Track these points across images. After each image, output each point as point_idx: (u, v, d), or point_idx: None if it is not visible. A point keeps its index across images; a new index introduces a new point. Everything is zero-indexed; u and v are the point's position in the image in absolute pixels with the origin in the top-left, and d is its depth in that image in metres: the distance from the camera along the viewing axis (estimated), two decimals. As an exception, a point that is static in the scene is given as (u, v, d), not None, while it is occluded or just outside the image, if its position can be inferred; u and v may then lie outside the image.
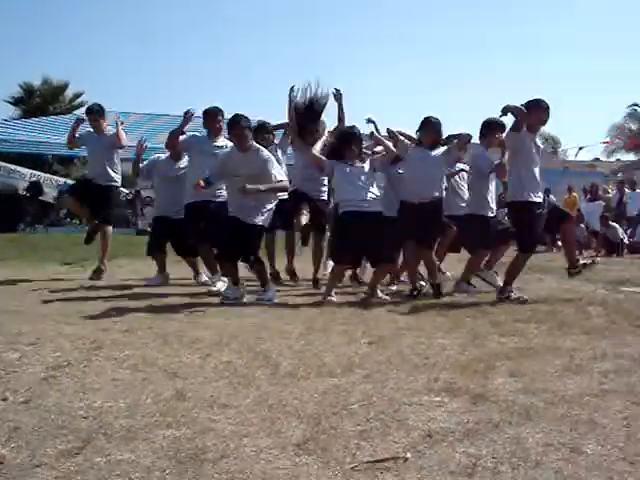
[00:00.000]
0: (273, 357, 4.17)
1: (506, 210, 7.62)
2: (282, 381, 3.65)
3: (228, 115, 7.17)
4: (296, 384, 3.59)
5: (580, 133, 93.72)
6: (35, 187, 23.51)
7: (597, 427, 2.96)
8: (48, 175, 29.51)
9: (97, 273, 8.50)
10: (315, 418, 3.02)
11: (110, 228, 8.88)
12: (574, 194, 20.40)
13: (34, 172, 26.59)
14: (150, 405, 3.21)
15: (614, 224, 16.96)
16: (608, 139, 38.49)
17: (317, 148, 7.09)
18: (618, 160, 43.55)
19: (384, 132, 7.56)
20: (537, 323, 5.44)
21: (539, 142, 7.06)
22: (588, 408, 3.23)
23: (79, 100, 41.07)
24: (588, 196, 20.07)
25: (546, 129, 46.50)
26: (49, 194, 25.24)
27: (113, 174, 8.67)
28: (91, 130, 8.77)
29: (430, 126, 7.15)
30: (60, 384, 3.58)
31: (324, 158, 6.99)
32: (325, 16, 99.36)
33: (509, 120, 6.74)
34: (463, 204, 7.84)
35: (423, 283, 7.47)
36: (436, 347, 4.55)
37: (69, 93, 41.44)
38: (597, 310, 6.16)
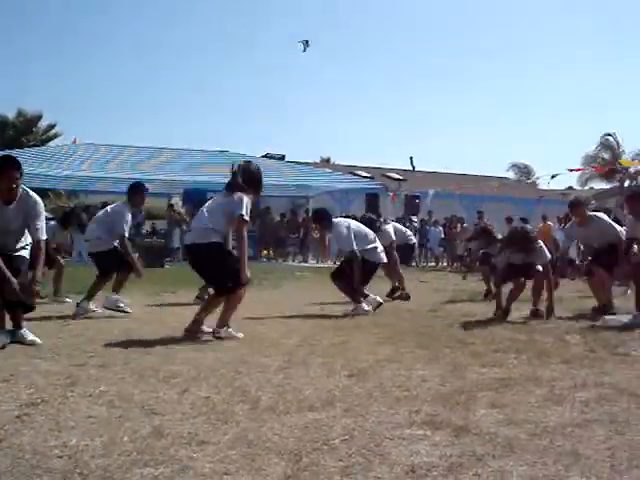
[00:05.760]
0: (252, 392, 4.11)
1: None
2: (262, 416, 3.59)
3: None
4: (276, 419, 3.54)
5: (553, 163, 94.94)
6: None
7: (581, 458, 2.94)
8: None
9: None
10: (296, 454, 2.97)
11: None
12: (548, 222, 20.61)
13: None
14: (127, 443, 3.14)
15: None
16: (579, 167, 39.03)
17: None
18: (592, 188, 44.06)
19: None
20: (516, 353, 5.44)
21: None
22: (571, 439, 3.22)
23: (53, 131, 41.02)
24: (562, 224, 20.22)
25: (519, 158, 47.21)
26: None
27: None
28: None
29: None
30: (34, 422, 3.49)
31: None
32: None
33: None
34: None
35: None
36: (416, 379, 4.52)
37: (43, 124, 41.33)
38: (575, 339, 6.19)
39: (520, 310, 8.00)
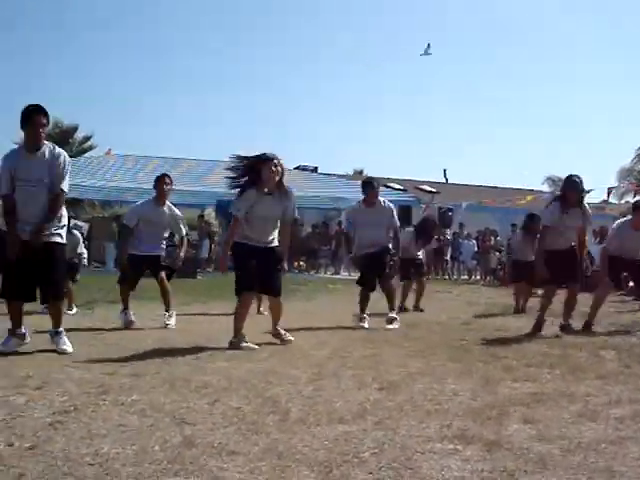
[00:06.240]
0: (282, 403, 4.12)
1: None
2: (292, 428, 3.59)
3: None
4: (306, 431, 3.53)
5: (589, 176, 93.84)
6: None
7: (615, 475, 2.90)
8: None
9: None
10: (326, 466, 2.96)
11: None
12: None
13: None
14: (158, 452, 3.16)
15: None
16: (614, 181, 38.69)
17: None
18: (627, 202, 43.51)
19: None
20: (550, 368, 5.38)
21: None
22: (605, 455, 3.17)
23: (88, 143, 41.54)
24: (597, 238, 19.97)
25: (555, 172, 46.79)
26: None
27: None
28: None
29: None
30: (67, 429, 3.53)
31: None
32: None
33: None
34: None
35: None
36: (448, 393, 4.48)
37: (79, 136, 41.88)
38: (610, 354, 6.10)
39: (554, 324, 7.90)
